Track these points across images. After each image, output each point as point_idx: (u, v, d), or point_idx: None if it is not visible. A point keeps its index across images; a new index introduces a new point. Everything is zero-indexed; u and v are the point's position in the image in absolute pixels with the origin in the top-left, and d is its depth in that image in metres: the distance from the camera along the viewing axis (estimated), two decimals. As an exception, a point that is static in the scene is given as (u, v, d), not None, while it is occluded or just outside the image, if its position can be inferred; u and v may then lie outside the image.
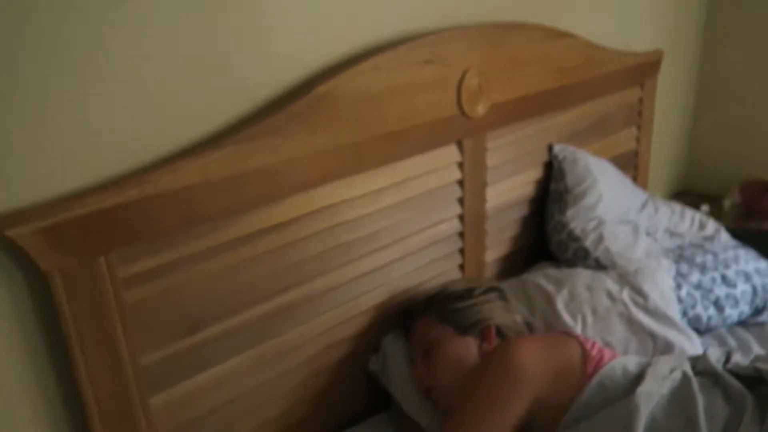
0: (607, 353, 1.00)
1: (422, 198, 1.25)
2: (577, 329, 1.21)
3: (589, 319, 1.23)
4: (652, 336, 1.22)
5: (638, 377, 0.93)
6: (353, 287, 1.18)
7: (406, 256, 1.25)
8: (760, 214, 1.98)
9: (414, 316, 1.20)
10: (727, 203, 2.05)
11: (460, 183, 1.31)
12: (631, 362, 0.98)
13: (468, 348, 1.10)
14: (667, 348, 1.21)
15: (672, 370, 0.95)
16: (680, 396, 0.90)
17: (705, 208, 2.00)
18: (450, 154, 1.28)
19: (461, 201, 1.33)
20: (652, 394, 0.89)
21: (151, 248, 0.88)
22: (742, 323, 1.42)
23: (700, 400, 0.88)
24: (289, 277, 1.07)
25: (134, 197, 0.83)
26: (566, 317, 1.23)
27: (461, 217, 1.34)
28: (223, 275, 0.98)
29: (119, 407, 0.89)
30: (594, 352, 0.98)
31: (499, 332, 1.13)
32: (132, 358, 0.89)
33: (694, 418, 0.86)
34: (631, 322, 1.23)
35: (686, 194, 2.23)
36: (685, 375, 0.93)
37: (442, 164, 1.27)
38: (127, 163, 0.87)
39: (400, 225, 1.23)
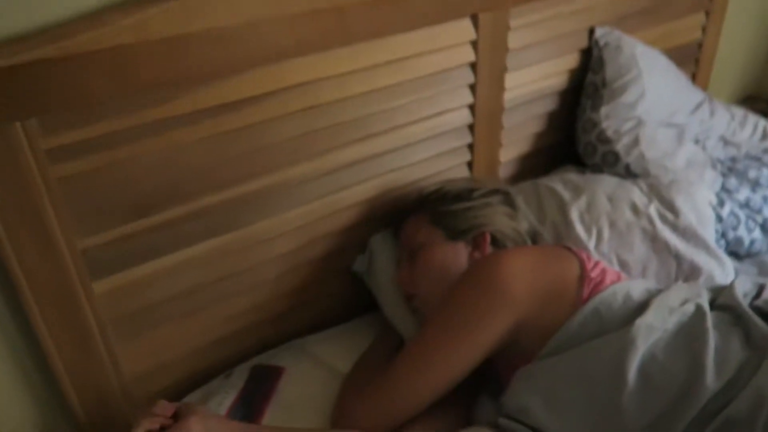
0: (610, 275, 0.86)
1: (425, 82, 1.07)
2: (590, 244, 1.06)
3: (606, 233, 1.07)
4: (677, 257, 1.06)
5: (642, 306, 0.79)
6: (337, 178, 1.05)
7: (402, 148, 1.10)
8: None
9: (405, 215, 1.07)
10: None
11: (473, 66, 1.12)
12: (636, 288, 0.83)
13: (457, 255, 0.98)
14: (693, 273, 1.05)
15: (684, 302, 0.80)
16: (688, 333, 0.75)
17: (775, 116, 1.73)
18: (462, 30, 1.07)
19: (473, 88, 1.14)
20: (654, 327, 0.75)
21: (79, 118, 0.76)
22: (792, 251, 1.23)
23: (712, 340, 0.73)
24: (257, 162, 0.95)
25: (51, 54, 0.70)
26: (579, 229, 1.08)
27: (472, 108, 1.16)
28: (177, 155, 0.86)
29: (58, 292, 0.82)
30: (594, 273, 0.84)
31: (495, 241, 0.99)
32: (68, 240, 0.81)
33: (700, 359, 0.72)
34: (654, 240, 1.06)
35: (756, 100, 1.93)
36: (698, 308, 0.78)
37: (450, 42, 1.07)
38: (46, 17, 0.73)
39: (397, 111, 1.06)
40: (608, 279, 0.84)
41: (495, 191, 1.05)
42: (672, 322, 0.76)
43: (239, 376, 1.02)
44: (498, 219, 1.01)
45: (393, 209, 1.13)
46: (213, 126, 0.87)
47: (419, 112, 1.09)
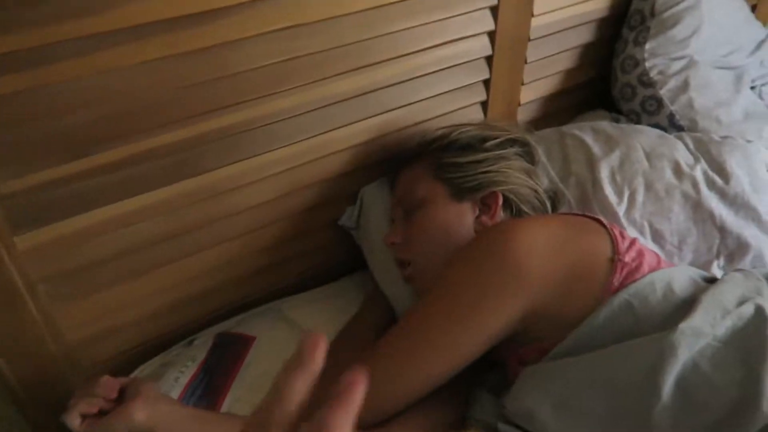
0: (648, 258, 0.70)
1: (431, 1, 0.87)
2: (620, 208, 0.89)
3: (640, 196, 0.90)
4: (722, 230, 0.89)
5: (686, 303, 0.64)
6: (324, 116, 0.87)
7: (406, 82, 0.92)
8: None
9: (403, 163, 0.90)
10: None
11: (498, -17, 0.91)
12: (680, 278, 0.67)
13: (462, 217, 0.82)
14: (739, 249, 0.89)
15: (741, 302, 0.64)
16: (744, 342, 0.60)
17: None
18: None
19: (494, 11, 0.94)
20: (702, 333, 0.60)
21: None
22: None
23: (776, 354, 0.59)
24: (224, 93, 0.77)
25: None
26: (608, 190, 0.91)
27: (492, 36, 0.96)
28: (118, 81, 0.68)
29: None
30: (629, 256, 0.68)
31: (508, 203, 0.82)
32: (-21, 183, 0.65)
33: (756, 376, 0.58)
34: (697, 208, 0.90)
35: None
36: (759, 311, 0.62)
37: (472, -50, 0.86)
38: None
39: (401, 36, 0.87)
40: (646, 264, 0.68)
41: (512, 141, 0.88)
42: (724, 326, 0.61)
43: (202, 345, 0.89)
44: (513, 176, 0.84)
45: (390, 155, 0.96)
46: (165, 45, 0.69)
47: (428, 38, 0.90)
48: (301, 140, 0.86)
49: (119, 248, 0.79)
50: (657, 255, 0.73)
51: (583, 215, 0.77)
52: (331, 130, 0.89)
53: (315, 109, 0.85)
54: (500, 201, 0.81)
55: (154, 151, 0.75)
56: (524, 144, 0.89)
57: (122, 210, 0.76)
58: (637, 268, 0.67)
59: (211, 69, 0.74)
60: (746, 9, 1.18)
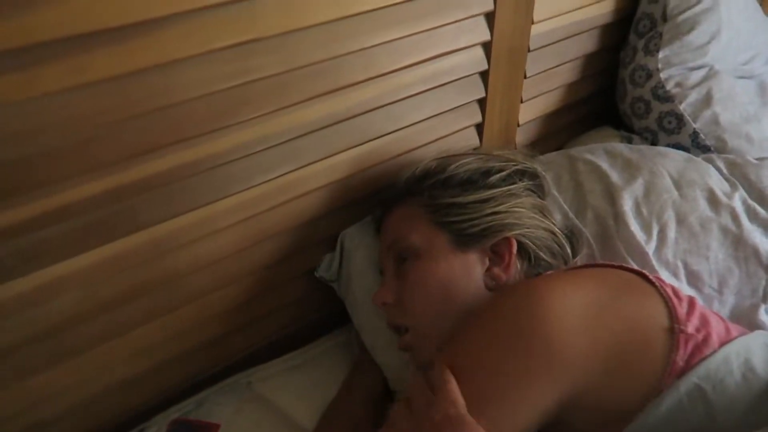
0: (715, 325, 0.55)
1: (422, 6, 0.72)
2: (649, 247, 0.75)
3: (672, 232, 0.76)
4: (769, 269, 0.75)
5: None
6: (287, 152, 0.71)
7: (383, 106, 0.76)
8: None
9: (389, 203, 0.75)
10: None
11: (491, -13, 0.77)
12: (759, 351, 0.53)
13: (468, 270, 0.66)
14: (791, 291, 0.75)
15: None
16: None
17: None
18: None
19: (490, 19, 0.79)
20: None
21: None
22: None
23: None
24: (162, 128, 0.60)
25: None
26: (634, 226, 0.76)
27: (487, 47, 0.81)
28: (6, 123, 0.52)
29: None
30: (692, 326, 0.53)
31: (523, 250, 0.67)
32: None
33: None
34: (738, 244, 0.76)
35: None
36: None
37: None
38: None
39: (379, 51, 0.72)
40: (715, 334, 0.53)
41: (520, 173, 0.73)
42: None
43: (151, 436, 0.71)
44: (526, 216, 0.69)
45: (372, 193, 0.81)
46: (72, 70, 0.52)
47: (413, 53, 0.75)
48: (263, 182, 0.70)
49: (37, 327, 0.61)
50: (722, 319, 0.58)
51: (621, 267, 0.62)
52: (298, 168, 0.73)
53: (278, 144, 0.69)
54: (514, 248, 0.66)
55: (70, 207, 0.58)
56: (533, 176, 0.74)
57: (32, 284, 0.59)
58: (705, 340, 0.52)
59: (140, 99, 0.57)
60: (760, 11, 1.06)
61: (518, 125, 0.93)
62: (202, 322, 0.76)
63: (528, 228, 0.68)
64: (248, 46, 0.61)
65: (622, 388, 0.51)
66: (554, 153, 0.88)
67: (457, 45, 0.78)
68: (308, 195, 0.76)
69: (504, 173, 0.71)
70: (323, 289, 0.84)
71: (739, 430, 0.47)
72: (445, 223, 0.68)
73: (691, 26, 0.90)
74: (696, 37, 0.90)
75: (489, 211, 0.67)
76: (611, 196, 0.79)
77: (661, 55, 0.91)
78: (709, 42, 0.91)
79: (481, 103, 0.86)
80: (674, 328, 0.52)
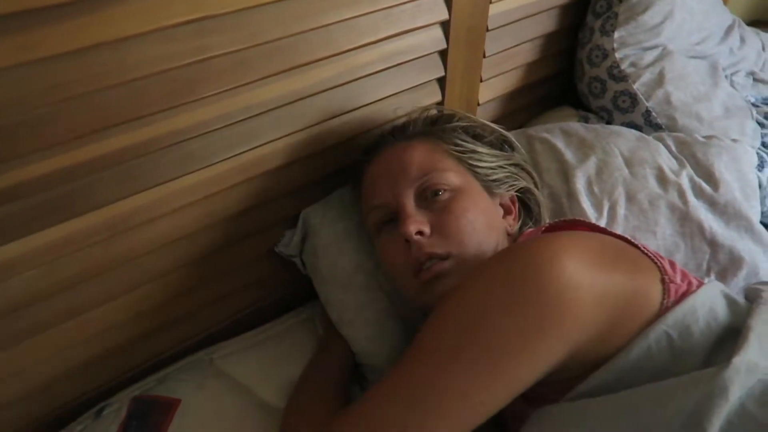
0: (690, 276, 0.59)
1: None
2: (600, 223, 0.78)
3: (621, 209, 0.79)
4: (712, 244, 0.79)
5: (730, 332, 0.53)
6: (244, 131, 0.71)
7: (342, 84, 0.76)
8: None
9: (378, 147, 0.74)
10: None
11: (450, -36, 0.77)
12: (717, 299, 0.56)
13: (498, 214, 0.71)
14: (732, 264, 0.79)
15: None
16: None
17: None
18: None
19: (448, -2, 0.80)
20: (756, 367, 0.49)
21: None
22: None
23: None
24: (111, 110, 0.60)
25: None
26: (586, 203, 0.79)
27: (446, 26, 0.82)
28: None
29: None
30: (678, 278, 0.57)
31: (525, 206, 0.75)
32: None
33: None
34: (685, 220, 0.79)
35: (760, 23, 1.64)
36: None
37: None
38: None
39: (337, 29, 0.72)
40: (695, 283, 0.57)
41: (504, 139, 0.78)
42: None
43: (114, 414, 0.72)
44: (526, 177, 0.75)
45: (334, 172, 0.82)
46: (18, 47, 0.51)
47: (372, 31, 0.75)
48: (221, 161, 0.70)
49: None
50: (690, 275, 0.61)
51: (619, 235, 0.64)
52: (258, 146, 0.73)
53: (237, 122, 0.69)
54: (517, 203, 0.73)
55: (25, 186, 0.58)
56: (511, 146, 0.77)
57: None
58: (688, 289, 0.56)
59: (93, 76, 0.57)
60: (713, -9, 1.08)
61: (478, 104, 0.95)
62: (164, 301, 0.76)
63: (528, 184, 0.74)
64: (203, 23, 0.61)
65: (618, 338, 0.53)
66: (513, 132, 0.90)
67: (416, 24, 0.78)
68: (269, 173, 0.76)
69: (495, 136, 0.76)
70: (287, 268, 0.85)
71: (697, 369, 0.50)
72: (472, 166, 0.70)
73: (645, 6, 0.93)
74: (650, 17, 0.93)
75: (501, 164, 0.72)
76: (565, 174, 0.81)
77: (616, 35, 0.93)
78: (662, 22, 0.93)
79: (441, 82, 0.87)
80: (664, 279, 0.55)
